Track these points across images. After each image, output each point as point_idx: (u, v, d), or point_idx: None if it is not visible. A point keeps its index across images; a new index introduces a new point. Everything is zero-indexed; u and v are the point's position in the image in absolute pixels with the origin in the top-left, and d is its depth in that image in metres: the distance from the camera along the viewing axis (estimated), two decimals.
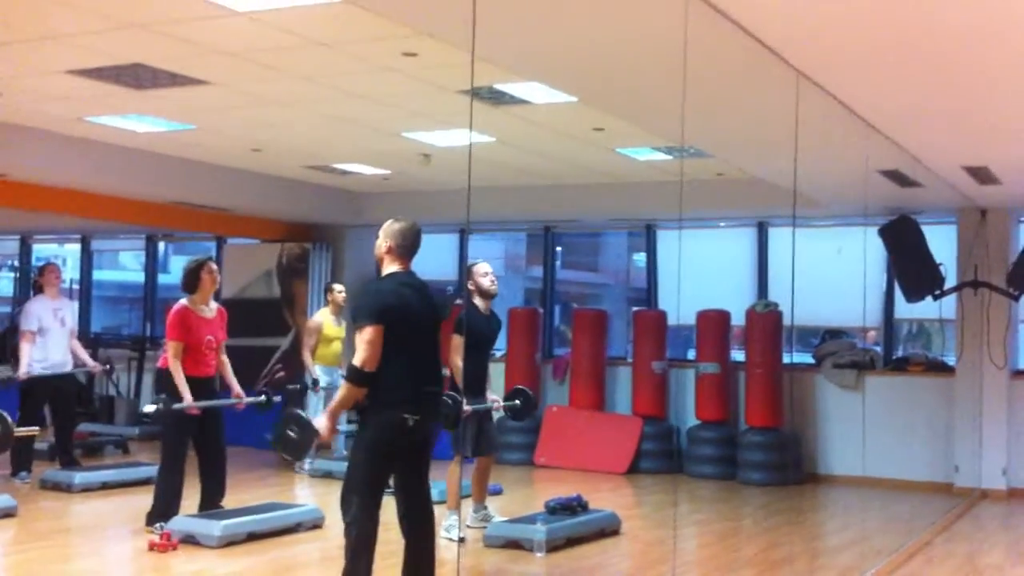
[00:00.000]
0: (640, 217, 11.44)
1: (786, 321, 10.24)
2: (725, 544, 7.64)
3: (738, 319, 10.74)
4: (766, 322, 10.42)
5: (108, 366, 10.32)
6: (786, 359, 10.51)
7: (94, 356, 12.47)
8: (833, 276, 10.22)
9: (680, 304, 11.08)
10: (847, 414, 10.31)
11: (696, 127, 6.36)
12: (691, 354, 11.23)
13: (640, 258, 12.19)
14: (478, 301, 7.11)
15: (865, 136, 6.55)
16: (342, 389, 5.19)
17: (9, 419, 4.81)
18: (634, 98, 6.08)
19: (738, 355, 10.91)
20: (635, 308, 11.93)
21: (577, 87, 6.17)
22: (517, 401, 7.61)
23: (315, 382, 9.62)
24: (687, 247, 11.54)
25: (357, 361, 4.99)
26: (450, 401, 6.04)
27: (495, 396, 7.49)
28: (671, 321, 11.09)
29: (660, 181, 10.20)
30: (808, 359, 10.92)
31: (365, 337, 4.98)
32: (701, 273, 11.24)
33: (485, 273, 7.16)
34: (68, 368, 9.20)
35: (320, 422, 5.25)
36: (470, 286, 7.15)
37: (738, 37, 4.64)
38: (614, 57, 5.13)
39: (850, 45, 4.95)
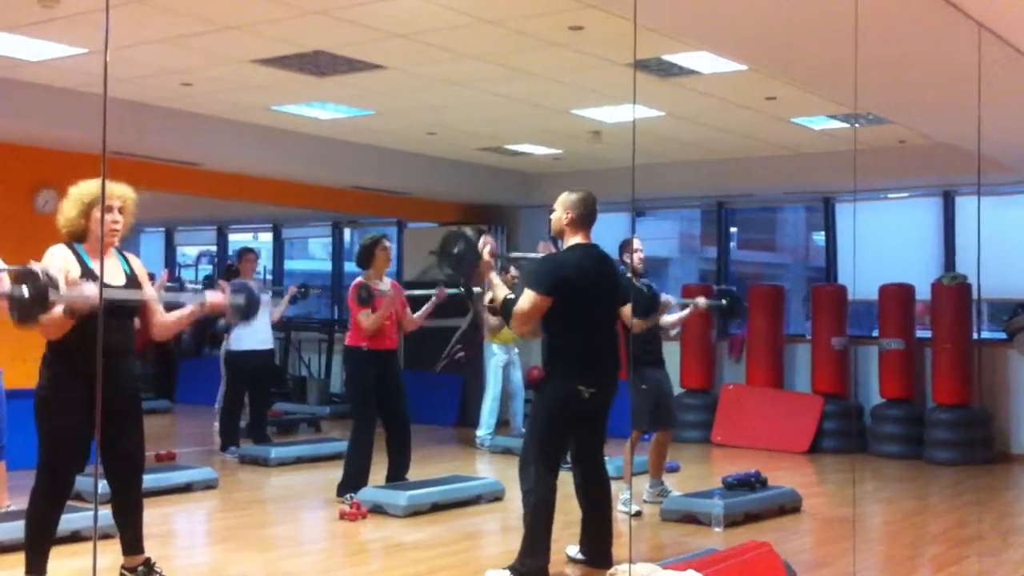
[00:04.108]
0: (817, 190, 11.15)
1: (974, 294, 9.82)
2: (911, 522, 7.41)
3: (923, 293, 10.36)
4: (954, 295, 10.01)
5: (303, 288, 10.55)
6: (975, 334, 10.08)
7: (287, 339, 13.12)
8: None
9: (861, 279, 10.76)
10: None
11: (872, 90, 6.16)
12: (875, 331, 10.90)
13: (820, 237, 11.90)
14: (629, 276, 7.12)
15: None
16: (500, 293, 5.30)
17: (254, 289, 5.02)
18: (805, 62, 5.91)
19: (923, 331, 10.53)
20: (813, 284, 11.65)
21: (745, 53, 6.07)
22: (723, 301, 7.48)
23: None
24: (868, 219, 11.20)
25: (514, 311, 5.11)
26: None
27: (698, 299, 7.39)
28: (851, 296, 10.79)
29: (837, 151, 9.92)
30: (999, 334, 10.43)
31: (529, 301, 5.10)
32: (883, 246, 10.86)
33: (636, 250, 7.13)
34: (268, 346, 9.68)
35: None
36: (625, 259, 7.15)
37: None
38: (782, 19, 5.02)
39: None
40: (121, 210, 4.58)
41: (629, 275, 7.03)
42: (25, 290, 3.81)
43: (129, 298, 4.57)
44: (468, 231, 5.56)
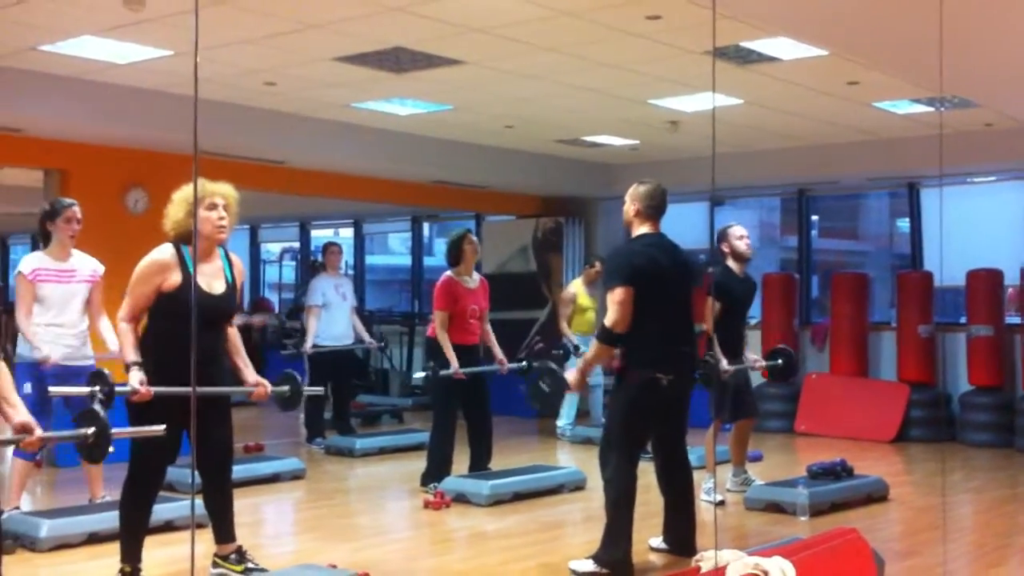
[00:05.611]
0: (902, 175, 10.94)
1: None
2: (1001, 511, 7.27)
3: (1012, 278, 10.13)
4: None
5: (383, 343, 10.94)
6: None
7: (369, 332, 13.27)
8: None
9: (948, 264, 10.55)
10: None
11: (957, 72, 6.05)
12: (963, 318, 10.68)
13: (904, 224, 11.69)
14: (732, 264, 7.06)
15: None
16: (593, 347, 5.36)
17: (298, 378, 5.26)
18: (888, 45, 5.81)
19: (1013, 317, 10.29)
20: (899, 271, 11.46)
21: (826, 38, 5.99)
22: (779, 361, 7.50)
23: (576, 348, 9.75)
24: (955, 204, 10.98)
25: (608, 322, 5.13)
26: (710, 360, 6.12)
27: (755, 356, 7.46)
28: (938, 282, 10.59)
29: (922, 136, 9.73)
30: None
31: (615, 298, 5.11)
32: (971, 231, 10.62)
33: (740, 236, 7.09)
34: (349, 340, 9.80)
35: (571, 375, 5.49)
36: (724, 248, 7.13)
37: None
38: (864, 2, 4.97)
39: None
40: (226, 208, 4.67)
41: (732, 264, 7.04)
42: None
43: (225, 308, 4.76)
44: (550, 366, 5.90)
